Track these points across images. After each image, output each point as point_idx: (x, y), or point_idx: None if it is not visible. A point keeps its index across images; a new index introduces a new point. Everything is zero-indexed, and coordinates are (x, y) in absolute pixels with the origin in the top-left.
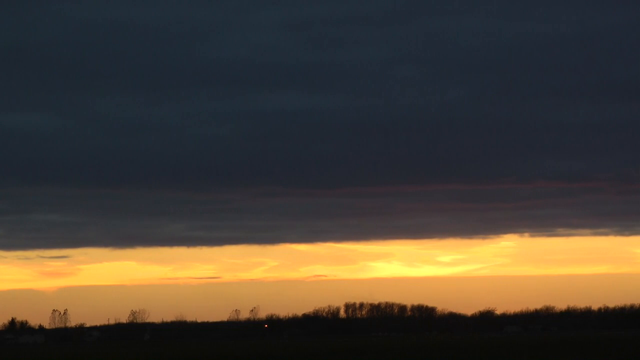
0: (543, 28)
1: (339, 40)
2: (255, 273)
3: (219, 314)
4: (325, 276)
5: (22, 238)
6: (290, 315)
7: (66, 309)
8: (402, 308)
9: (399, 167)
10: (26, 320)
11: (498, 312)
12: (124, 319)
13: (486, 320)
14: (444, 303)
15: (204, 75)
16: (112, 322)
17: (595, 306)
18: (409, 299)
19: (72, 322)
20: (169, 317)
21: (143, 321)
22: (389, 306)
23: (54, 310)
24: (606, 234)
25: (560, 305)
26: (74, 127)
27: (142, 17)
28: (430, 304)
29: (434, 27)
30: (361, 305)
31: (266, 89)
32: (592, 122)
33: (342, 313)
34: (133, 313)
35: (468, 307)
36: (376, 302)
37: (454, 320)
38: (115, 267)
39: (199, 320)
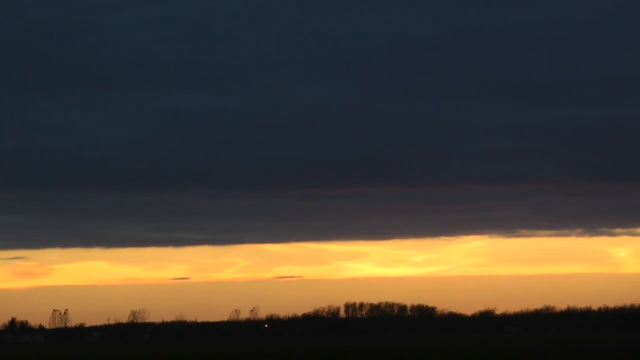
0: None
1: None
2: (228, 273)
3: (219, 314)
4: (301, 277)
5: None
6: (290, 315)
7: (66, 309)
8: (402, 308)
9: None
10: (26, 320)
11: (498, 312)
12: (124, 319)
13: (486, 320)
14: (444, 303)
15: (106, 76)
16: (112, 322)
17: (595, 306)
18: (409, 299)
19: (72, 322)
20: (169, 317)
21: (143, 321)
22: (389, 306)
23: (54, 310)
24: (568, 235)
25: (560, 305)
26: None
27: (47, 16)
28: (430, 304)
29: (328, 28)
30: (361, 305)
31: (176, 88)
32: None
33: (342, 313)
34: (133, 313)
35: (468, 307)
36: (376, 302)
37: (454, 320)
38: (86, 267)
39: (199, 320)
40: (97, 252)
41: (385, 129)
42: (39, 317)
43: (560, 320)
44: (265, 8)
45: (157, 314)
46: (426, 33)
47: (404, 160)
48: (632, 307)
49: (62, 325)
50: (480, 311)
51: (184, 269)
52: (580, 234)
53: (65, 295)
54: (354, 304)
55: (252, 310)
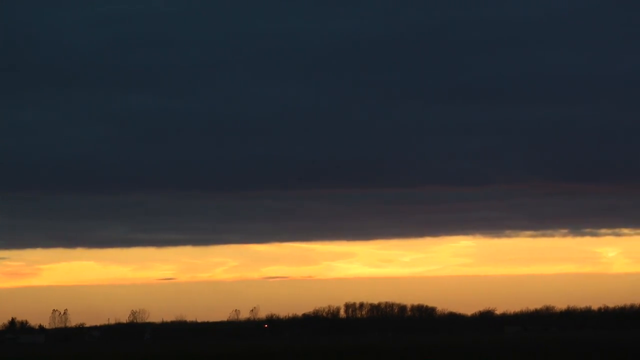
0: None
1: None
2: (217, 273)
3: (219, 314)
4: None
5: None
6: (290, 315)
7: (66, 309)
8: (402, 308)
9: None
10: (26, 320)
11: (498, 312)
12: (124, 319)
13: (486, 320)
14: (444, 303)
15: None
16: (112, 322)
17: (595, 306)
18: (409, 299)
19: (72, 322)
20: (169, 317)
21: (143, 321)
22: (389, 306)
23: (54, 310)
24: (552, 235)
25: (560, 305)
26: None
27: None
28: (430, 304)
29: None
30: (361, 305)
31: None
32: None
33: (342, 313)
34: (133, 313)
35: (468, 307)
36: (376, 302)
37: (454, 320)
38: (76, 267)
39: (199, 320)
40: (80, 252)
41: (352, 131)
42: (34, 316)
43: (560, 320)
44: (217, 8)
45: (157, 314)
46: (384, 32)
47: (369, 162)
48: (632, 307)
49: (62, 325)
50: (480, 311)
51: (171, 269)
52: (565, 235)
53: (60, 295)
54: (354, 304)
55: (252, 310)
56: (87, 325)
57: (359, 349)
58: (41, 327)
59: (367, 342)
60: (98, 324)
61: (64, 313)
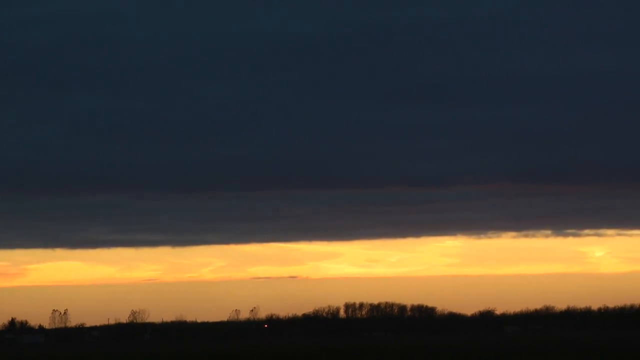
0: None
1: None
2: (203, 273)
3: (219, 314)
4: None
5: None
6: (290, 315)
7: (66, 309)
8: (402, 308)
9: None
10: (26, 320)
11: (498, 312)
12: (124, 319)
13: (486, 320)
14: (444, 303)
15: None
16: (112, 322)
17: (595, 306)
18: (409, 299)
19: (72, 322)
20: (169, 317)
21: (143, 321)
22: (389, 306)
23: (54, 310)
24: (533, 236)
25: (560, 305)
26: None
27: None
28: (430, 304)
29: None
30: (361, 305)
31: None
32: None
33: (342, 313)
34: (133, 313)
35: (468, 307)
36: (376, 302)
37: (454, 320)
38: (63, 268)
39: (199, 320)
40: (62, 252)
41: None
42: (34, 317)
43: (560, 320)
44: (163, 8)
45: (157, 314)
46: (328, 31)
47: (317, 162)
48: (632, 307)
49: (62, 325)
50: (480, 311)
51: (156, 269)
52: (548, 235)
53: (58, 295)
54: (354, 304)
55: (252, 310)
56: (87, 325)
57: (359, 349)
58: (41, 327)
59: (367, 342)
60: (98, 324)
61: (64, 313)
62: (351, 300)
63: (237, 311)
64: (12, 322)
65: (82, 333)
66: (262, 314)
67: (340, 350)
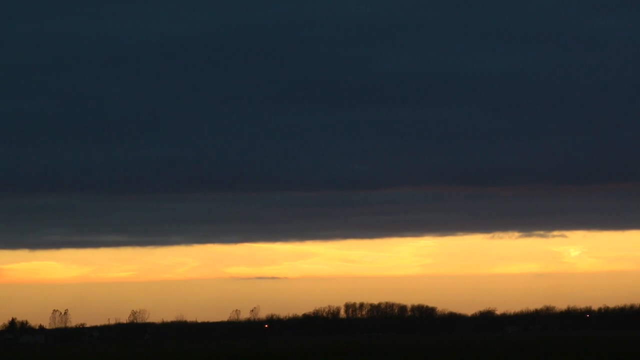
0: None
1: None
2: (178, 273)
3: (219, 314)
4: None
5: None
6: (290, 315)
7: (67, 309)
8: (402, 308)
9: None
10: (26, 320)
11: (498, 312)
12: (124, 319)
13: (486, 320)
14: (444, 303)
15: None
16: (112, 322)
17: (595, 306)
18: (409, 299)
19: (72, 322)
20: (169, 317)
21: (143, 321)
22: (389, 306)
23: (54, 310)
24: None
25: (560, 305)
26: None
27: None
28: (430, 304)
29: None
30: (361, 305)
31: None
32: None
33: (342, 313)
34: (133, 313)
35: (468, 307)
36: (376, 302)
37: (454, 320)
38: (38, 267)
39: (199, 320)
40: (24, 253)
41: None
42: (34, 316)
43: (560, 320)
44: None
45: (157, 314)
46: (232, 31)
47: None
48: (632, 307)
49: (62, 325)
50: (480, 311)
51: (132, 269)
52: (517, 237)
53: (55, 294)
54: (354, 304)
55: (252, 311)
56: (87, 325)
57: (359, 349)
58: (41, 327)
59: (368, 342)
60: (98, 324)
61: (65, 313)
62: (351, 300)
63: (237, 311)
64: (12, 322)
65: (82, 333)
66: (262, 314)
67: (340, 350)
